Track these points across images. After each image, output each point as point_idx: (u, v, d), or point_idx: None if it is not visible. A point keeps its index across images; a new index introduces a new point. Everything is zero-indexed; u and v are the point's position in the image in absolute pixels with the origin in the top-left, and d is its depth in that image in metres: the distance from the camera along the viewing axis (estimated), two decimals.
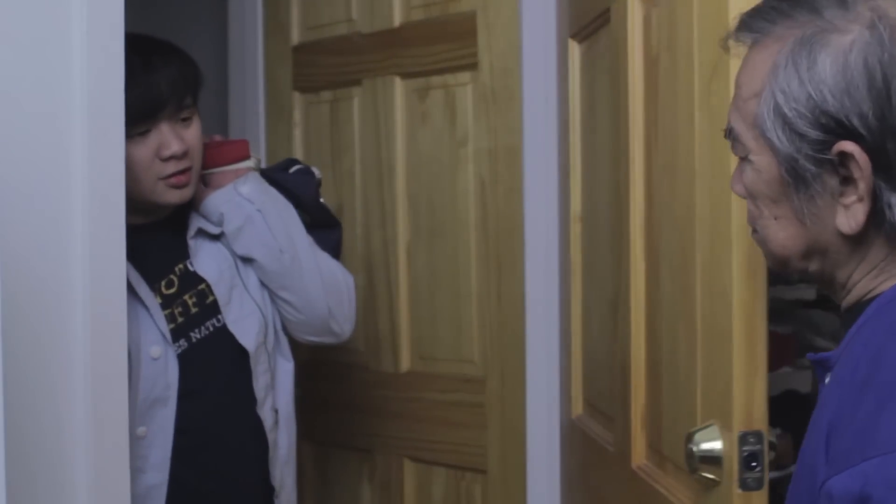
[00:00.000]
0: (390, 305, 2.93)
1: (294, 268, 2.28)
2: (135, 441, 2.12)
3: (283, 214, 2.30)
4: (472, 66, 2.78)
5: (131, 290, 2.13)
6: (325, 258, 2.36)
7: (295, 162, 2.46)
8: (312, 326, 2.35)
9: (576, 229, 2.58)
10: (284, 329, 2.37)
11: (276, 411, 2.34)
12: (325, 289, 2.32)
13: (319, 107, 3.09)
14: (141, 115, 2.10)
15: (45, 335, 1.74)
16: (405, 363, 2.95)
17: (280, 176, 2.39)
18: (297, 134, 3.15)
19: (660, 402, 1.97)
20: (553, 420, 2.77)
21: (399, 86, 2.91)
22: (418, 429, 2.93)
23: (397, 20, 2.90)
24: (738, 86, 1.25)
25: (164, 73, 2.15)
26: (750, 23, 1.23)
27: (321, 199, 2.45)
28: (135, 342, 2.13)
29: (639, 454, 2.10)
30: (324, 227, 2.42)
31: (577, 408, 2.60)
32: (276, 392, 2.34)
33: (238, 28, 3.29)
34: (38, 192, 1.73)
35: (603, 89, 2.32)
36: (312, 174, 2.44)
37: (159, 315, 2.19)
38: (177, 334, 2.22)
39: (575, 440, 2.59)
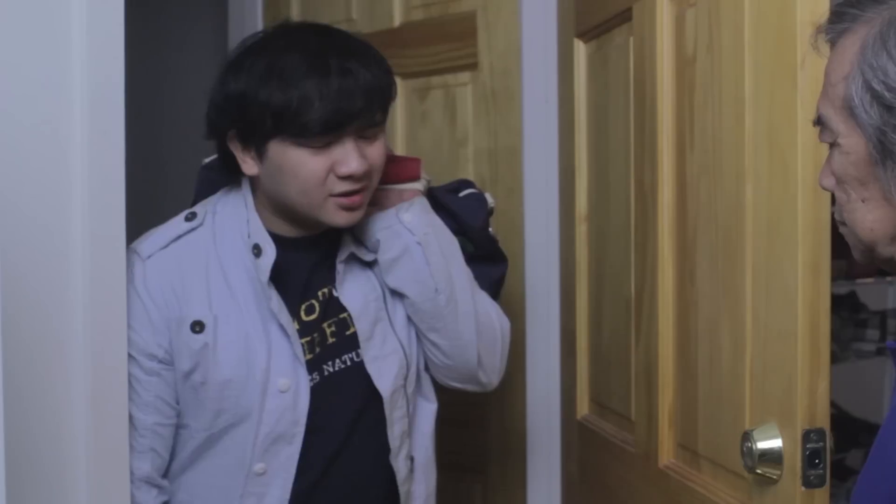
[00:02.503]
0: None
1: (448, 310, 2.05)
2: (251, 477, 1.99)
3: (446, 250, 2.07)
4: (472, 66, 2.79)
5: (272, 314, 1.99)
6: (484, 301, 2.14)
7: (468, 184, 2.25)
8: (458, 373, 2.13)
9: (581, 229, 2.59)
10: (427, 369, 2.16)
11: (412, 459, 2.13)
12: (479, 336, 2.10)
13: None
14: (328, 126, 1.88)
15: (45, 339, 1.72)
16: None
17: (448, 198, 2.17)
18: None
19: (694, 401, 1.98)
20: (553, 420, 2.78)
21: (399, 86, 2.87)
22: None
23: (397, 20, 2.90)
24: (826, 74, 1.28)
25: (360, 80, 1.90)
26: (842, 13, 1.27)
27: (490, 230, 2.24)
28: (263, 371, 1.97)
29: (666, 453, 2.11)
30: (487, 260, 2.20)
31: (583, 408, 2.61)
32: (413, 438, 2.14)
33: (238, 28, 3.25)
34: (37, 194, 1.71)
35: (617, 89, 2.33)
36: (484, 201, 2.21)
37: (297, 344, 1.99)
38: (312, 366, 2.01)
39: (582, 440, 2.60)
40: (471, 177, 2.78)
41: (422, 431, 2.16)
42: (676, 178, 2.05)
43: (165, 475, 2.03)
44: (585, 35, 2.55)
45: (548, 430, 2.77)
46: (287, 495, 2.01)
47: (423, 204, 2.09)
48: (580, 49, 2.58)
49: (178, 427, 2.02)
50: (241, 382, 1.97)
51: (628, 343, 2.28)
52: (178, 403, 2.00)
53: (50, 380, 1.72)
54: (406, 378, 2.10)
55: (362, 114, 1.91)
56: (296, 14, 3.11)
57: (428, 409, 2.18)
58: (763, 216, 1.73)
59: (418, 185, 2.12)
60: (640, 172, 2.18)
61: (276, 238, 2.01)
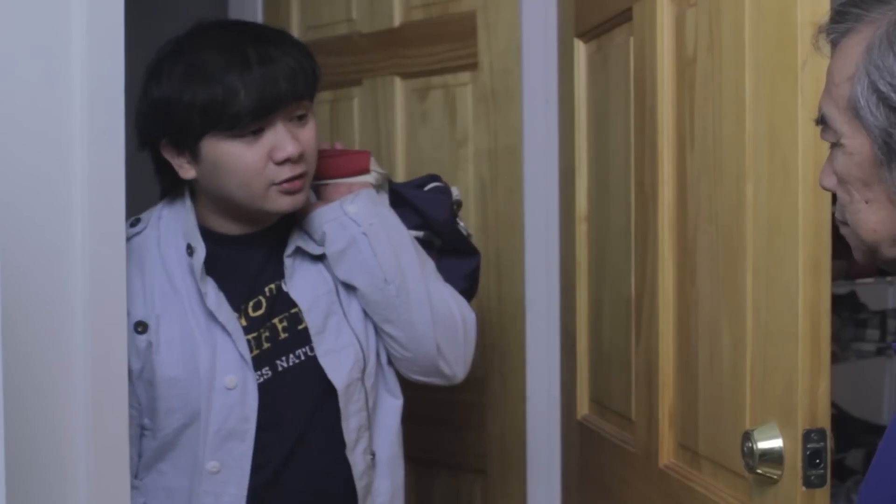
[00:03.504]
0: None
1: (400, 300, 2.06)
2: (206, 476, 2.01)
3: (394, 240, 2.08)
4: (472, 66, 2.79)
5: (209, 312, 2.01)
6: (441, 291, 2.13)
7: (434, 178, 2.26)
8: (419, 365, 2.13)
9: (581, 229, 2.59)
10: (390, 363, 2.17)
11: (373, 454, 2.14)
12: (436, 326, 2.09)
13: (319, 107, 3.06)
14: (256, 111, 1.92)
15: (45, 339, 1.72)
16: None
17: (412, 193, 2.19)
18: None
19: (694, 401, 1.98)
20: (553, 420, 2.78)
21: (399, 86, 2.90)
22: (418, 429, 2.91)
23: (397, 20, 2.90)
24: (829, 73, 1.28)
25: (281, 64, 1.95)
26: (845, 13, 1.26)
27: (460, 223, 2.25)
28: (209, 369, 1.99)
29: (667, 453, 2.11)
30: (458, 253, 2.22)
31: (583, 408, 2.61)
32: (374, 433, 2.14)
33: None
34: (37, 194, 1.70)
35: (618, 89, 2.33)
36: (448, 194, 2.23)
37: (241, 340, 2.01)
38: (261, 361, 2.03)
39: (582, 440, 2.60)
40: (470, 177, 2.80)
41: (385, 427, 2.16)
42: (677, 178, 2.04)
43: (136, 476, 2.05)
44: (585, 35, 2.55)
45: (548, 430, 2.77)
46: (244, 493, 2.02)
47: (369, 195, 2.10)
48: (580, 49, 2.58)
49: (142, 429, 2.05)
50: (187, 380, 2.00)
51: (628, 343, 2.28)
52: (139, 404, 2.02)
53: (50, 380, 1.72)
54: (364, 371, 2.10)
55: (287, 97, 1.95)
56: (296, 14, 3.11)
57: (392, 405, 2.18)
58: (763, 216, 1.73)
59: (368, 178, 2.14)
60: (641, 172, 2.18)
61: (221, 237, 2.06)
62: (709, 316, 1.92)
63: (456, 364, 2.16)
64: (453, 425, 2.87)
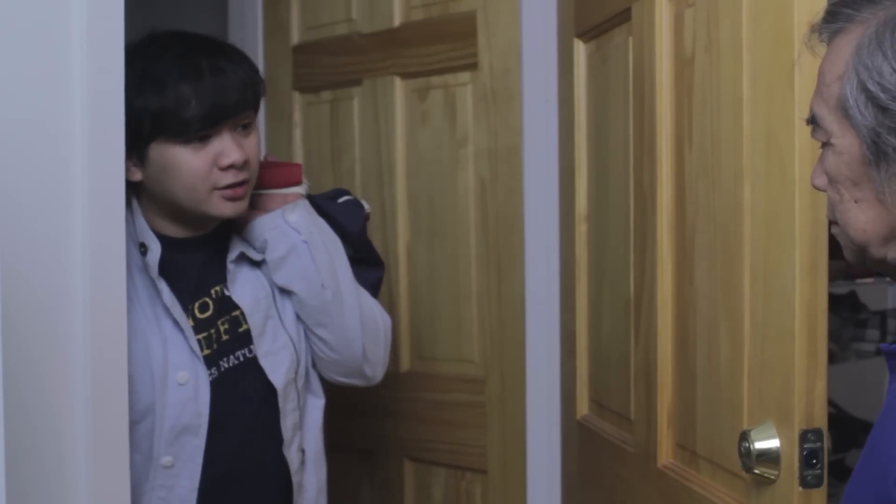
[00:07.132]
0: (390, 305, 2.92)
1: (334, 305, 2.17)
2: (160, 470, 2.06)
3: (330, 248, 2.19)
4: (472, 66, 2.79)
5: (165, 310, 2.07)
6: (366, 297, 2.26)
7: (344, 192, 2.36)
8: (344, 367, 2.25)
9: (581, 229, 2.59)
10: (314, 365, 2.26)
11: (303, 451, 2.24)
12: (364, 330, 2.21)
13: (319, 107, 3.08)
14: (206, 119, 2.01)
15: (45, 339, 1.72)
16: (405, 363, 2.95)
17: (328, 205, 2.28)
18: (297, 134, 3.13)
19: (693, 401, 1.98)
20: (553, 420, 2.78)
21: (399, 86, 2.91)
22: (418, 429, 2.93)
23: (397, 20, 2.90)
24: (821, 73, 1.29)
25: (232, 76, 2.04)
26: (836, 13, 1.27)
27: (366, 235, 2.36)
28: (161, 366, 2.05)
29: (665, 453, 2.11)
30: (366, 263, 2.32)
31: (583, 408, 2.61)
32: (303, 431, 2.24)
33: (238, 28, 3.26)
34: (37, 194, 1.71)
35: (617, 89, 2.33)
36: (362, 207, 2.34)
37: (192, 337, 2.09)
38: (210, 361, 2.11)
39: (582, 440, 2.60)
40: (470, 177, 2.80)
41: (311, 425, 2.26)
42: (675, 177, 2.05)
43: None
44: (585, 35, 2.55)
45: (548, 430, 2.77)
46: (195, 485, 2.09)
47: (306, 205, 2.21)
48: (580, 49, 2.58)
49: None
50: (140, 377, 2.03)
51: (628, 343, 2.28)
52: None
53: (50, 380, 1.72)
54: (297, 372, 2.20)
55: (236, 107, 2.05)
56: (295, 14, 3.11)
57: (316, 405, 2.28)
58: (761, 216, 1.73)
59: (300, 189, 2.24)
60: (640, 172, 2.19)
61: (165, 239, 2.10)
62: (707, 316, 1.93)
63: (377, 365, 2.29)
64: (453, 425, 2.87)
